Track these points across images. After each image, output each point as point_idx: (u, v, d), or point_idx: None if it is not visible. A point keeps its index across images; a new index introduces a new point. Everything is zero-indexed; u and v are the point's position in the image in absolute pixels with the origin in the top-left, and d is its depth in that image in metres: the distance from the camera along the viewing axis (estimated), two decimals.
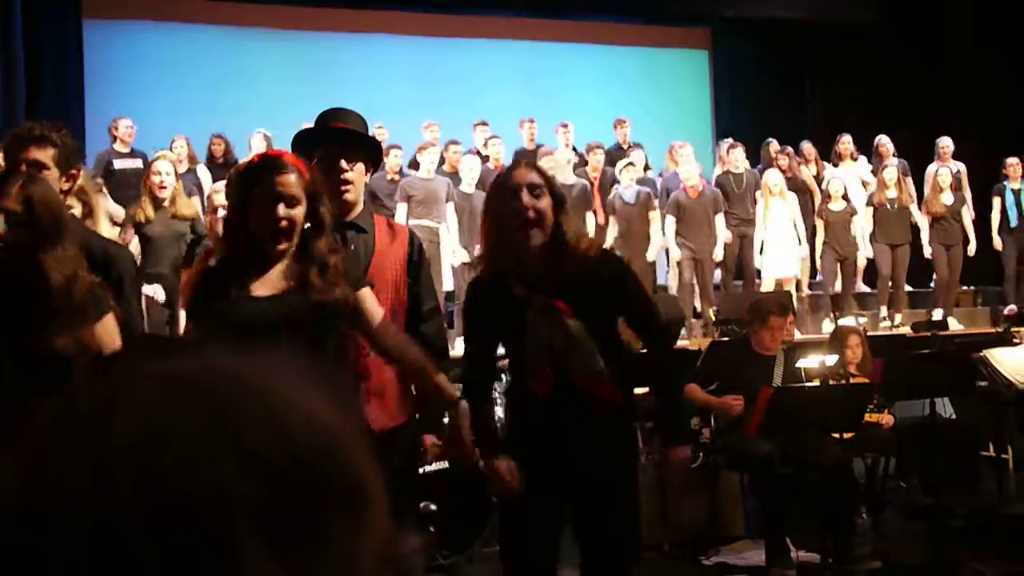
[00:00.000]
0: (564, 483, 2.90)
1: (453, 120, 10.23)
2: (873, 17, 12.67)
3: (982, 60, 11.68)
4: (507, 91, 12.09)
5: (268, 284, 2.55)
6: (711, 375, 5.50)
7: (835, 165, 10.65)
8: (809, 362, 5.37)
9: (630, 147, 10.35)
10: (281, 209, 2.51)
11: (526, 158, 2.80)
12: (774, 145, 10.60)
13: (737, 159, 9.88)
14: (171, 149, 8.44)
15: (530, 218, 2.79)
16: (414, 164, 9.30)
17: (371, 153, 3.17)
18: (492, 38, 12.82)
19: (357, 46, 12.23)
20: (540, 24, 12.88)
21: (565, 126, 10.17)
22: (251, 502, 0.50)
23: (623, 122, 10.61)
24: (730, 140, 10.46)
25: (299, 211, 2.54)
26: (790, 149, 10.46)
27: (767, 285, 9.34)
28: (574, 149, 10.09)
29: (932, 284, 10.33)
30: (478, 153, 9.63)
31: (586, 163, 9.82)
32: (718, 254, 9.25)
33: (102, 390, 0.54)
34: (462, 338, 8.26)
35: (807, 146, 10.83)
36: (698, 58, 13.94)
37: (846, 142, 10.70)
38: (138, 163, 8.54)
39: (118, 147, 8.81)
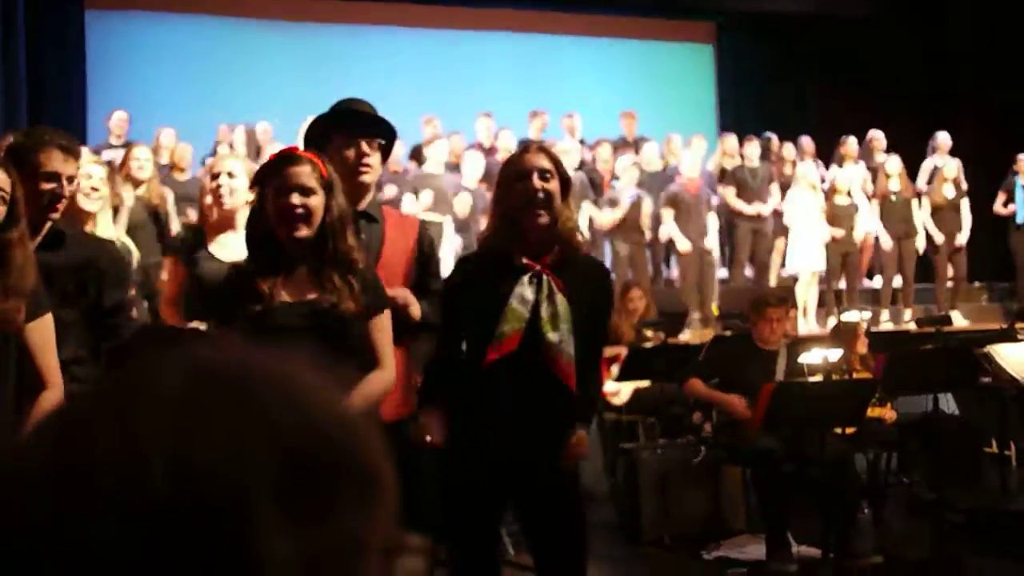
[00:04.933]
0: (512, 464, 2.89)
1: (455, 112, 10.20)
2: (877, 12, 12.63)
3: (985, 54, 11.65)
4: (510, 84, 12.06)
5: (293, 288, 2.56)
6: (713, 369, 5.49)
7: (840, 166, 10.56)
8: (812, 357, 5.35)
9: (636, 141, 10.33)
10: (295, 198, 2.51)
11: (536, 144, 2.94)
12: (775, 141, 10.58)
13: (752, 154, 9.88)
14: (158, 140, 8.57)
15: (539, 200, 2.86)
16: (414, 157, 9.28)
17: (387, 143, 3.16)
18: (495, 30, 12.78)
19: (359, 38, 12.21)
20: (544, 17, 12.85)
21: (571, 117, 10.16)
22: (270, 478, 0.52)
23: (630, 115, 10.56)
24: (772, 134, 10.55)
25: (315, 200, 2.54)
26: (789, 145, 10.45)
27: (803, 279, 9.29)
28: (581, 141, 10.10)
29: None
30: (480, 146, 9.58)
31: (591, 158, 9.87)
32: (714, 246, 9.30)
33: (127, 377, 0.57)
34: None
35: (806, 141, 10.77)
36: (703, 52, 13.90)
37: (851, 143, 10.62)
38: None
39: (112, 140, 8.89)
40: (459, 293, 2.98)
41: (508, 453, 2.87)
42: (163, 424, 0.52)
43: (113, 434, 0.52)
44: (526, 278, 2.87)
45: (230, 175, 3.65)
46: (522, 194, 2.87)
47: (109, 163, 6.00)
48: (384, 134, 3.13)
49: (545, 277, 2.87)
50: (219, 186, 3.63)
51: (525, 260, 2.88)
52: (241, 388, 0.55)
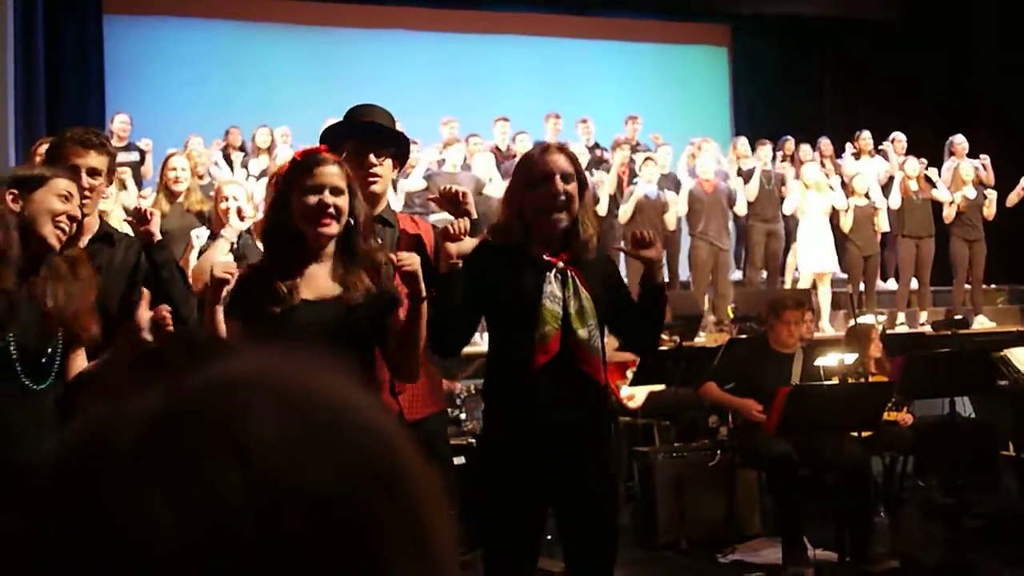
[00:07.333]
0: (553, 473, 2.86)
1: (470, 116, 10.21)
2: (892, 14, 12.59)
3: (1003, 56, 11.60)
4: (525, 87, 12.07)
5: (315, 287, 2.57)
6: (729, 373, 5.49)
7: (856, 158, 10.60)
8: (827, 360, 5.35)
9: (638, 145, 10.34)
10: (327, 196, 2.56)
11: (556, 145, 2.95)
12: (790, 143, 10.59)
13: (766, 156, 9.89)
14: (186, 147, 8.51)
15: (561, 203, 2.86)
16: (439, 161, 9.33)
17: (400, 150, 3.22)
18: (510, 34, 12.81)
19: (374, 42, 12.25)
20: (559, 20, 12.86)
21: (585, 121, 10.19)
22: (387, 506, 0.52)
23: (635, 119, 10.58)
24: (790, 138, 10.53)
25: (343, 200, 2.58)
26: (805, 147, 10.46)
27: (805, 280, 9.31)
28: (597, 145, 10.11)
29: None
30: (496, 150, 9.62)
31: (602, 160, 9.86)
32: (730, 247, 9.37)
33: (209, 416, 0.52)
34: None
35: (825, 142, 10.78)
36: (717, 55, 13.89)
37: (865, 138, 10.66)
38: (134, 156, 8.73)
39: (114, 142, 8.92)
40: (477, 272, 2.90)
41: (555, 454, 2.85)
42: (276, 472, 0.49)
43: (231, 487, 0.49)
44: (551, 274, 2.87)
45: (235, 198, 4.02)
46: (544, 197, 2.86)
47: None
48: (396, 145, 3.20)
49: (570, 273, 2.87)
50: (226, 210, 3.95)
51: (547, 256, 2.88)
52: (333, 424, 0.53)
